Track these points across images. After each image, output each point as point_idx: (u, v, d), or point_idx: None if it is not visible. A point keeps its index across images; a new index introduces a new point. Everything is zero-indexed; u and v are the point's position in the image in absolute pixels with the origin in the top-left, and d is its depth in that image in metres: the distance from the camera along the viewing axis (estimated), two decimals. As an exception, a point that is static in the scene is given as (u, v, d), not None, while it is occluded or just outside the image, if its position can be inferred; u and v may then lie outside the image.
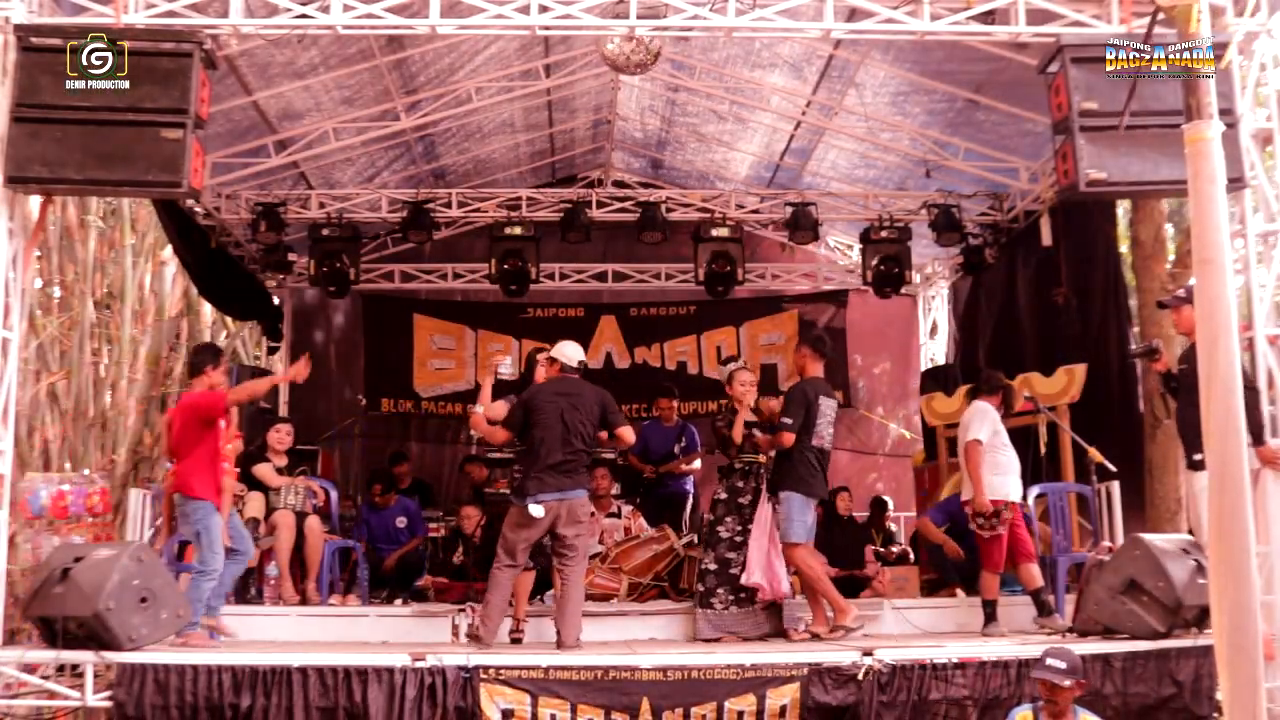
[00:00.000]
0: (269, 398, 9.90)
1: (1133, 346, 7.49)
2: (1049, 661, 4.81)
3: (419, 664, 5.24)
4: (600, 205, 10.13)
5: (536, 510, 5.95)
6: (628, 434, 6.40)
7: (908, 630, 6.78)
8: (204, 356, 6.34)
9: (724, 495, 6.70)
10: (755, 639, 6.45)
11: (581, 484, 6.19)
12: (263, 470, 7.40)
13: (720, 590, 6.54)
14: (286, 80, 8.00)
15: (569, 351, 6.39)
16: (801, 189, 10.23)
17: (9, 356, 5.73)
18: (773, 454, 6.60)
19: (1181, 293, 6.18)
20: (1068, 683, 4.74)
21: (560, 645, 5.87)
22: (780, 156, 10.18)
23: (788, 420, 6.42)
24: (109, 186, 6.05)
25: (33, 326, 10.72)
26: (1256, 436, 5.64)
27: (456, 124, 9.50)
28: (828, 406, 6.55)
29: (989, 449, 6.55)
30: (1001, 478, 6.54)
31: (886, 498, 9.95)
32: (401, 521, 8.67)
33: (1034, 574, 6.51)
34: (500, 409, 6.43)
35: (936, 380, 9.94)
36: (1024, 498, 6.73)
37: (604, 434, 6.37)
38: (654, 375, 10.90)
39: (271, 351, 11.08)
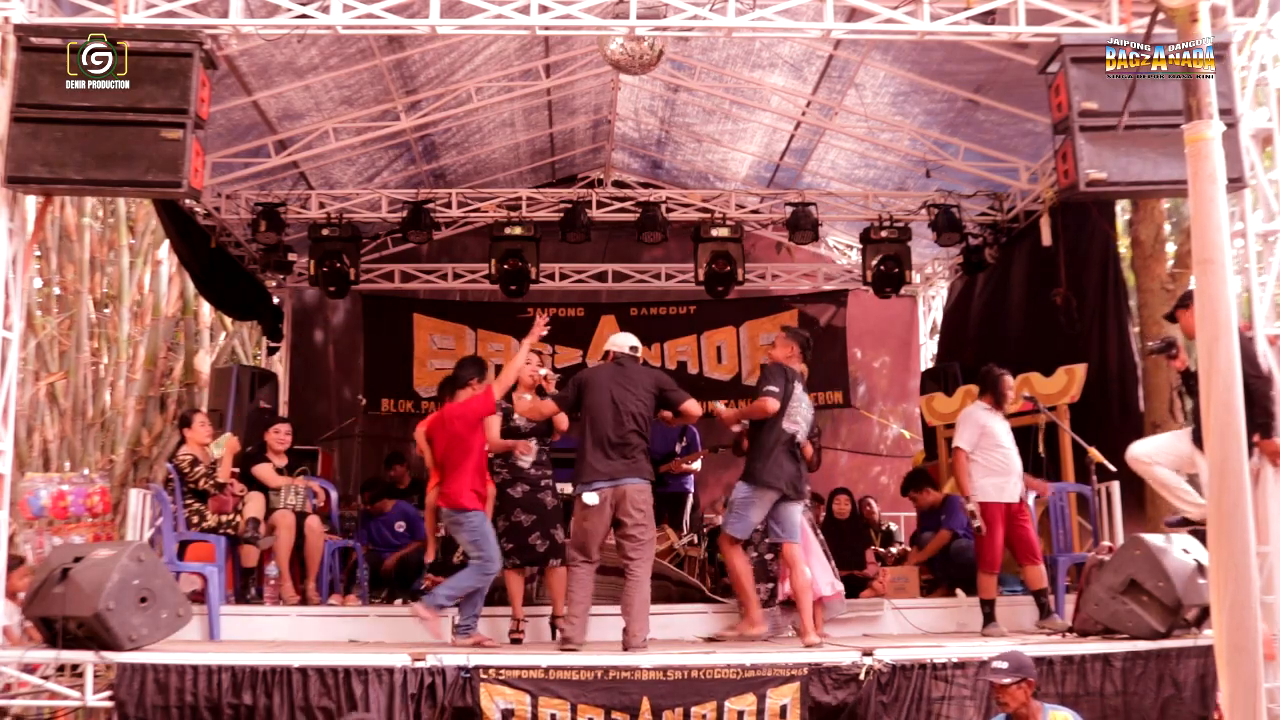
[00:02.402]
0: (269, 398, 9.91)
1: (1150, 343, 7.52)
2: (993, 664, 4.89)
3: (419, 664, 5.24)
4: (600, 205, 10.13)
5: (590, 498, 5.87)
6: (693, 407, 6.20)
7: (908, 630, 6.78)
8: (469, 370, 6.46)
9: None
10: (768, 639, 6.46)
11: (638, 471, 5.97)
12: (262, 470, 7.40)
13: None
14: (286, 80, 8.00)
15: (619, 340, 6.34)
16: (801, 189, 10.24)
17: (9, 356, 5.73)
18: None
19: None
20: (1008, 681, 4.79)
21: (626, 646, 5.75)
22: (780, 156, 10.18)
23: (772, 388, 6.14)
24: (109, 186, 6.04)
25: (31, 326, 10.73)
26: (1265, 429, 5.64)
27: (456, 124, 9.50)
28: (803, 394, 6.29)
29: (980, 450, 6.58)
30: (994, 479, 6.56)
31: (868, 497, 9.92)
32: (400, 526, 8.67)
33: (1038, 576, 6.53)
34: (549, 406, 6.34)
35: (936, 380, 9.95)
36: (1021, 497, 6.69)
37: (668, 414, 6.27)
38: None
39: (271, 352, 11.08)
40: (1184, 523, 6.08)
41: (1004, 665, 4.84)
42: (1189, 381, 6.25)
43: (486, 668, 5.25)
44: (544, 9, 5.98)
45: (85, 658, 5.24)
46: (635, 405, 6.00)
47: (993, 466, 6.57)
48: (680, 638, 6.64)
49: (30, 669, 5.38)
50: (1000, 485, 6.55)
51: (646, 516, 6.00)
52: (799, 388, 6.29)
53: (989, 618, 6.47)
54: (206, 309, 11.86)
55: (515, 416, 6.55)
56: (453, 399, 6.44)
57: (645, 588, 5.96)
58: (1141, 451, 6.29)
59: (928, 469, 9.19)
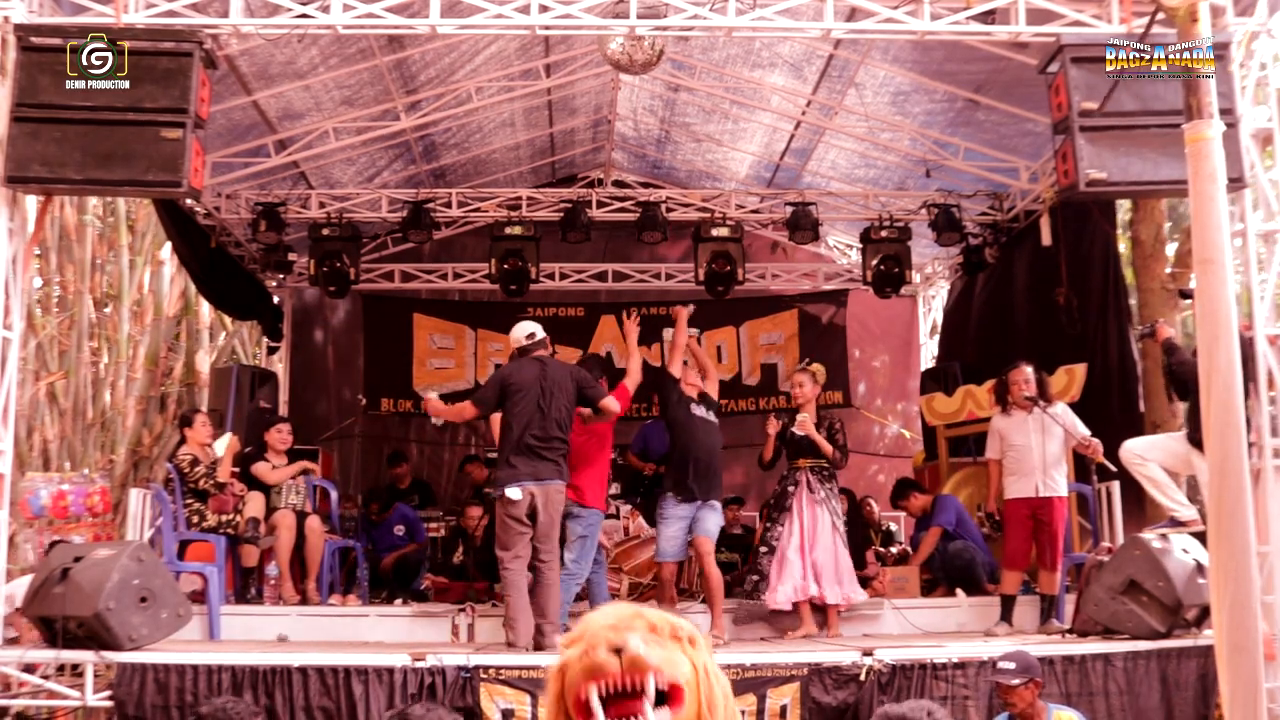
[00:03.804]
0: (269, 398, 9.91)
1: (1138, 328, 7.65)
2: (1000, 664, 4.88)
3: (419, 664, 5.24)
4: (600, 205, 10.12)
5: (514, 493, 5.82)
6: (611, 403, 6.23)
7: (908, 630, 6.78)
8: (596, 370, 6.67)
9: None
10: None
11: (560, 474, 5.97)
12: (261, 469, 7.39)
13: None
14: (286, 80, 8.00)
15: (520, 331, 6.28)
16: (801, 189, 10.23)
17: (9, 356, 5.73)
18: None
19: None
20: (1016, 681, 4.79)
21: (538, 647, 5.73)
22: (780, 156, 10.17)
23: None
24: (109, 186, 6.05)
25: (32, 326, 10.72)
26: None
27: (456, 124, 9.50)
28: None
29: (1004, 454, 6.72)
30: (1009, 478, 6.68)
31: (869, 497, 9.93)
32: (400, 530, 8.69)
33: (1050, 581, 6.58)
34: (469, 409, 6.36)
35: (937, 380, 9.94)
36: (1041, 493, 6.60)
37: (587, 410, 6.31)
38: (654, 375, 10.88)
39: (271, 351, 11.08)
40: (1173, 524, 6.11)
41: (1011, 666, 4.83)
42: (1170, 358, 6.30)
43: (486, 668, 5.25)
44: (544, 9, 5.98)
45: (85, 658, 5.25)
46: (560, 412, 6.01)
47: (1008, 467, 6.69)
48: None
49: (30, 669, 5.38)
50: (1014, 483, 6.63)
51: (557, 519, 6.02)
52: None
53: (1005, 615, 6.51)
54: (207, 308, 11.86)
55: None
56: None
57: (558, 589, 6.00)
58: (1136, 448, 6.33)
59: (915, 476, 9.21)
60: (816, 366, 7.15)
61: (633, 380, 6.51)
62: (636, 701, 1.56)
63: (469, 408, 6.27)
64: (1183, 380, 6.31)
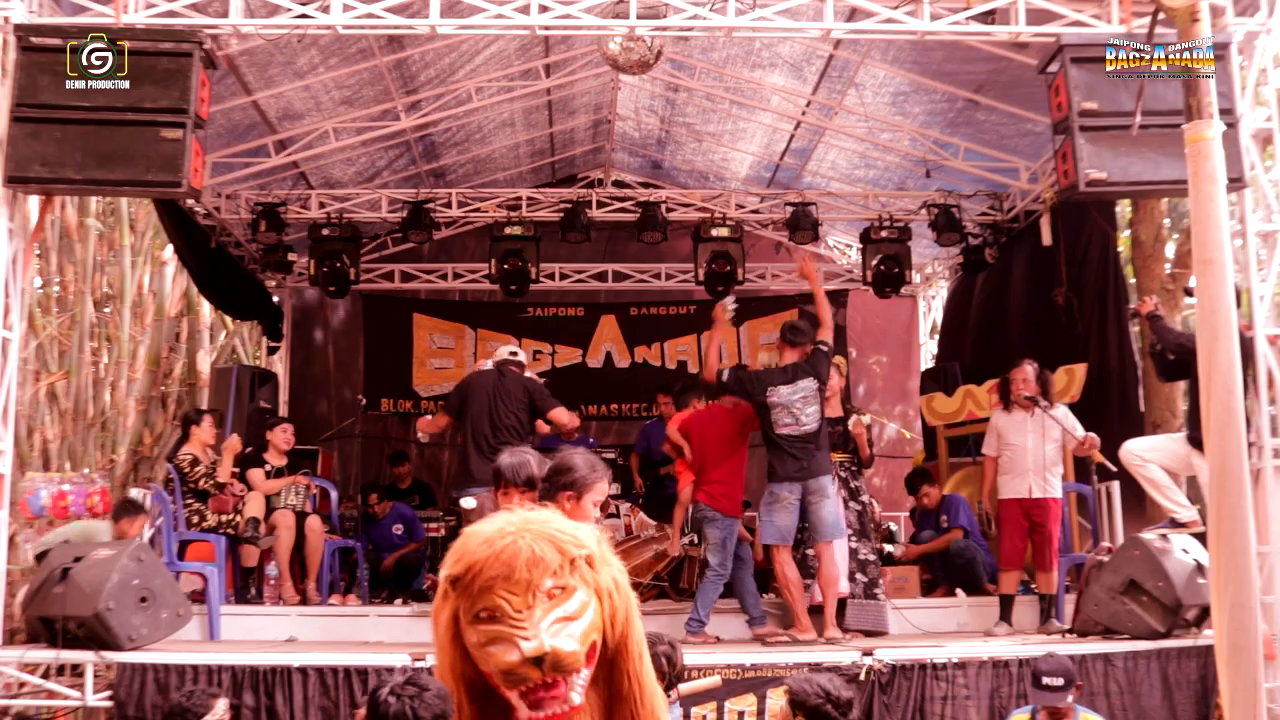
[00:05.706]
0: (269, 398, 9.92)
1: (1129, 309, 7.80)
2: (1045, 681, 4.70)
3: (419, 664, 5.23)
4: (600, 205, 10.12)
5: (468, 503, 5.88)
6: (561, 415, 6.47)
7: (908, 630, 6.78)
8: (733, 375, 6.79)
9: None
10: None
11: None
12: (254, 475, 7.36)
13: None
14: (286, 80, 8.00)
15: (500, 350, 6.78)
16: (801, 189, 10.23)
17: (9, 356, 5.73)
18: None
19: None
20: (1071, 699, 4.70)
21: None
22: (780, 156, 10.17)
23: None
24: (109, 186, 6.05)
25: (32, 326, 10.71)
26: None
27: (456, 124, 9.50)
28: (784, 393, 6.29)
29: (1000, 453, 6.71)
30: (1004, 477, 6.68)
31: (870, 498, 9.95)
32: (398, 529, 8.68)
33: (1047, 581, 6.58)
34: (442, 417, 6.75)
35: (936, 380, 9.94)
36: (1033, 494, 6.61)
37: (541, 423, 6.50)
38: (654, 374, 10.89)
39: (271, 351, 11.09)
40: (1173, 525, 6.12)
41: (1059, 682, 4.66)
42: (1153, 323, 6.31)
43: (486, 668, 5.24)
44: (544, 9, 5.98)
45: (85, 658, 5.25)
46: (509, 418, 6.23)
47: (1004, 466, 6.70)
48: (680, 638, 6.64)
49: (30, 669, 5.38)
50: (1008, 482, 6.64)
51: None
52: (778, 390, 6.30)
53: (1004, 615, 6.51)
54: (208, 308, 11.86)
55: None
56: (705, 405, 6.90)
57: None
58: (1136, 449, 6.33)
59: (929, 468, 9.21)
60: (839, 359, 7.12)
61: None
62: (558, 691, 1.53)
63: (441, 417, 6.63)
64: (1165, 358, 6.31)
